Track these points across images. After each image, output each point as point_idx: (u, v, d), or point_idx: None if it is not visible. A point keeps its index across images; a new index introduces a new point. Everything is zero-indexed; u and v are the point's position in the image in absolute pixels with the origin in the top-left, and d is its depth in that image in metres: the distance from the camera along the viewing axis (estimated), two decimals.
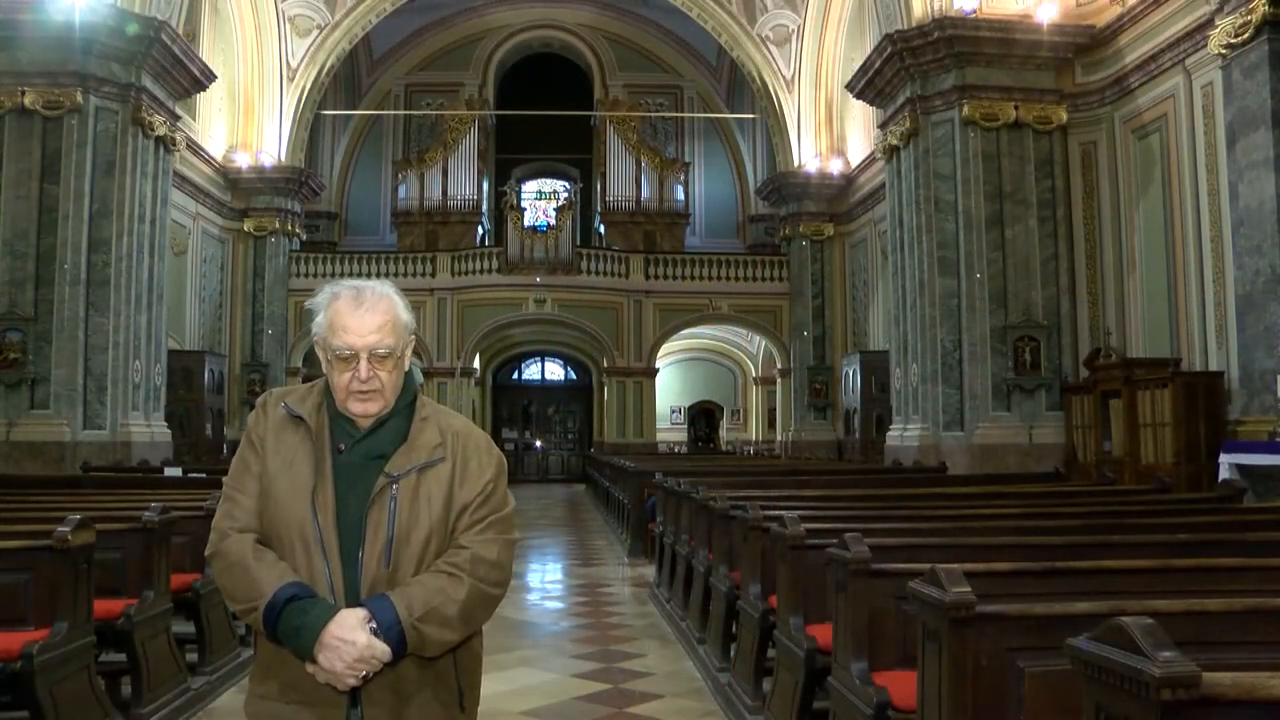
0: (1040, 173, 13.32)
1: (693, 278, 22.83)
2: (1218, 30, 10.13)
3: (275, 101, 20.77)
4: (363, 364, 2.04)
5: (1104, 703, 1.96)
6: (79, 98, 12.95)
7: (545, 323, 23.36)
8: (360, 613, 1.93)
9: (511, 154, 27.57)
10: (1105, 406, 12.13)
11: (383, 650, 1.91)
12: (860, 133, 20.48)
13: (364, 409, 2.06)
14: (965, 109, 13.13)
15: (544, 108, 25.45)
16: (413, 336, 2.16)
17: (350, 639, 1.90)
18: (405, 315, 2.11)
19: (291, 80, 20.86)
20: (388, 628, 1.91)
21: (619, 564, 11.28)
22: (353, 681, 1.92)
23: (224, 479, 2.12)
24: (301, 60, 20.84)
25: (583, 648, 6.79)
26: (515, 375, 28.70)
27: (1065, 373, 13.18)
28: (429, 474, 2.05)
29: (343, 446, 2.06)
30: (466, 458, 2.10)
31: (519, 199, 25.87)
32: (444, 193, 25.00)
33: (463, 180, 25.13)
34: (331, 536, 1.99)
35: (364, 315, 2.06)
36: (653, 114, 26.20)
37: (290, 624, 1.92)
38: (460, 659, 2.07)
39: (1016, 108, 13.20)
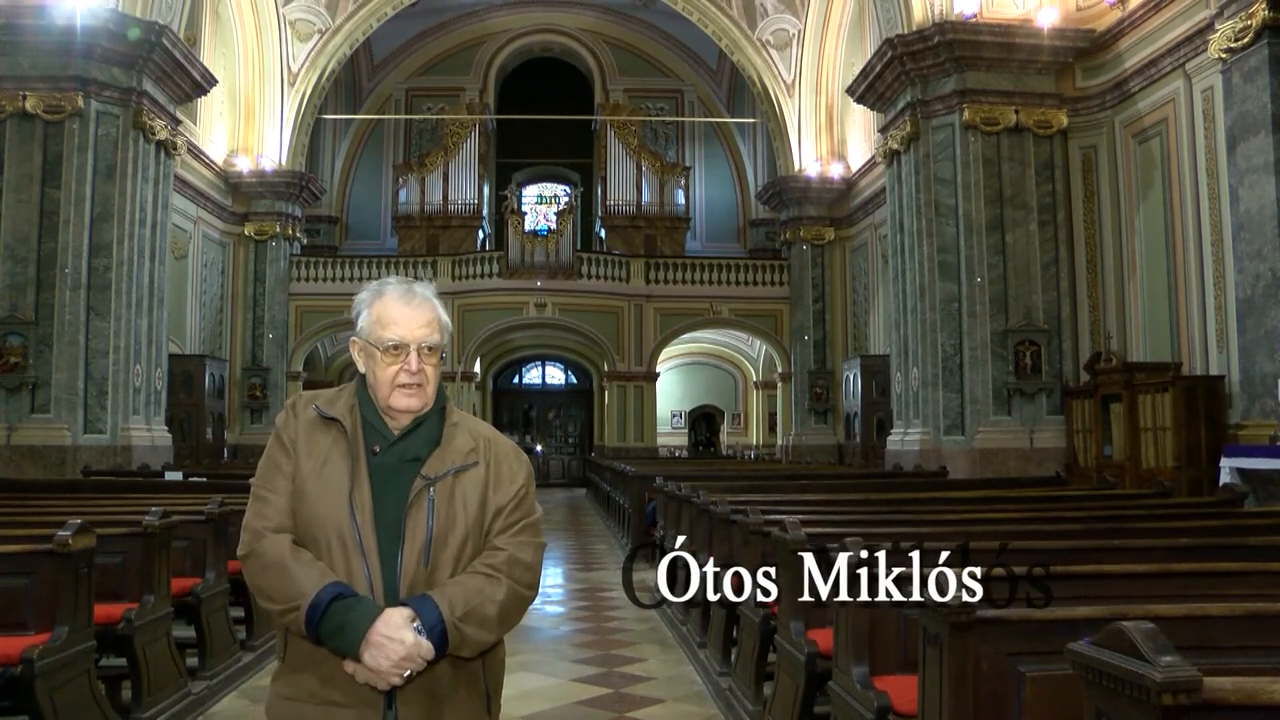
0: (1041, 177, 13.33)
1: (693, 282, 22.84)
2: (1218, 34, 10.14)
3: (276, 106, 20.79)
4: (413, 355, 2.08)
5: (1105, 707, 1.96)
6: (80, 102, 12.97)
7: (546, 327, 23.37)
8: (405, 611, 1.94)
9: (512, 158, 27.60)
10: (1106, 410, 12.13)
11: (428, 649, 1.93)
12: (861, 137, 20.50)
13: (409, 403, 2.09)
14: (966, 113, 13.14)
15: (544, 112, 25.52)
16: (449, 339, 2.19)
17: (398, 637, 1.91)
18: (445, 317, 2.17)
19: (292, 85, 20.89)
20: (431, 626, 1.93)
21: (619, 568, 11.27)
22: (396, 680, 1.93)
23: (251, 481, 2.13)
24: (302, 65, 20.87)
25: (583, 652, 6.79)
26: (516, 379, 28.70)
27: (1066, 377, 13.18)
28: (464, 478, 2.08)
29: (377, 449, 2.08)
30: (499, 463, 2.13)
31: (519, 203, 25.87)
32: (445, 197, 25.02)
33: (463, 184, 25.15)
34: (370, 537, 2.01)
35: (415, 309, 2.11)
36: (653, 118, 26.22)
37: (335, 622, 1.93)
38: (488, 662, 2.10)
39: (1017, 112, 13.21)
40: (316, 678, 2.00)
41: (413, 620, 1.93)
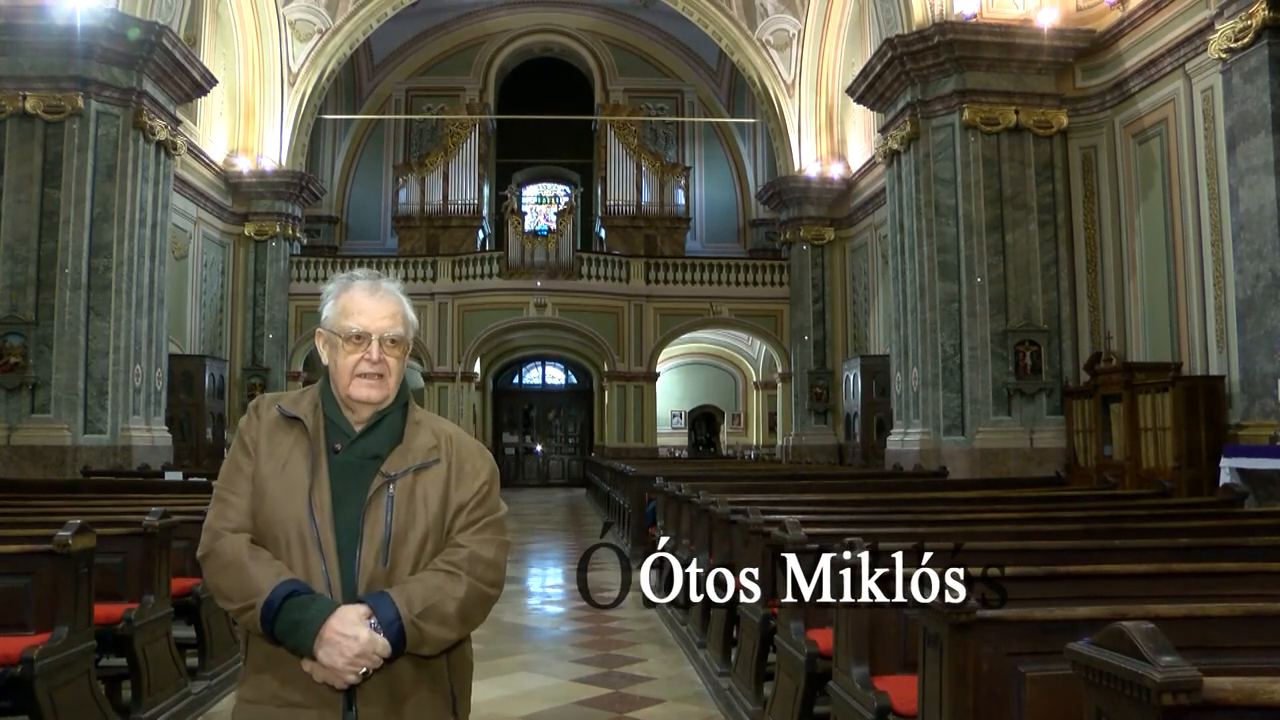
0: (1041, 177, 13.33)
1: (693, 282, 22.84)
2: (1218, 35, 10.15)
3: (276, 106, 20.79)
4: (374, 345, 2.08)
5: (1105, 707, 1.96)
6: (80, 102, 12.97)
7: (546, 327, 23.37)
8: (360, 608, 1.93)
9: (512, 158, 27.61)
10: (1106, 411, 12.13)
11: (383, 645, 1.91)
12: (861, 137, 20.50)
13: (368, 393, 2.08)
14: (966, 113, 13.14)
15: (545, 112, 25.52)
16: (413, 337, 2.20)
17: (351, 634, 1.90)
18: (411, 314, 2.17)
19: (292, 85, 20.89)
20: (388, 623, 1.92)
21: (619, 568, 11.24)
22: (352, 678, 1.91)
23: (214, 482, 2.13)
24: (302, 65, 20.87)
25: (583, 652, 6.78)
26: (516, 379, 28.69)
27: (1066, 377, 13.18)
28: (425, 475, 2.07)
29: (338, 447, 2.07)
30: (461, 461, 2.12)
31: (519, 203, 25.88)
32: (445, 197, 25.03)
33: (463, 184, 25.16)
34: (328, 535, 2.00)
35: (379, 301, 2.12)
36: (653, 118, 26.22)
37: (289, 619, 1.91)
38: (453, 662, 2.08)
39: (1017, 112, 13.21)
40: (277, 679, 1.98)
41: (368, 617, 1.92)
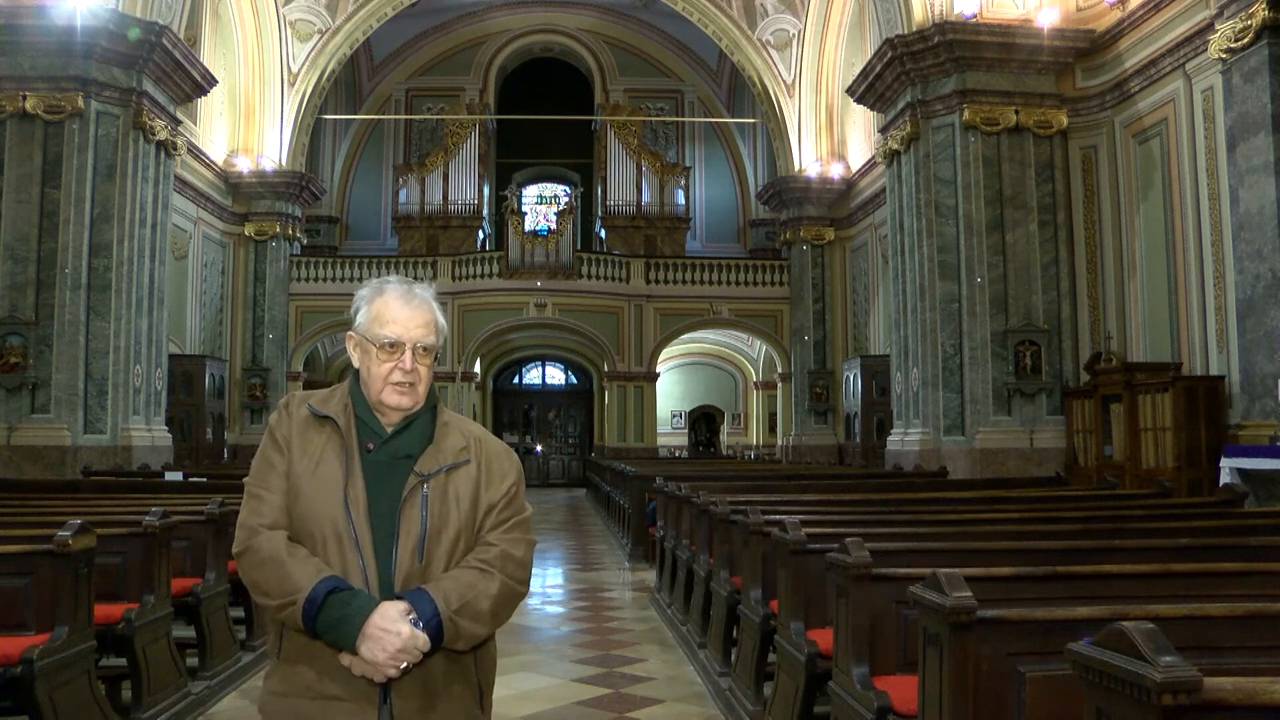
0: (1041, 177, 13.33)
1: (693, 282, 22.84)
2: (1218, 35, 10.14)
3: (276, 106, 20.79)
4: (408, 354, 2.12)
5: (1105, 707, 1.96)
6: (80, 102, 12.97)
7: (546, 327, 23.38)
8: (401, 605, 1.98)
9: (512, 158, 27.61)
10: (1106, 411, 12.13)
11: (424, 641, 1.96)
12: (861, 137, 20.50)
13: (400, 401, 2.12)
14: (966, 113, 13.14)
15: (545, 112, 25.52)
16: (443, 342, 2.23)
17: (394, 629, 1.94)
18: (442, 320, 2.21)
19: (292, 85, 20.89)
20: (428, 619, 1.97)
21: (620, 569, 11.27)
22: (393, 673, 1.96)
23: (245, 480, 2.15)
24: (302, 65, 20.87)
25: (583, 652, 6.79)
26: (516, 380, 28.70)
27: (1066, 377, 13.18)
28: (456, 475, 2.12)
29: (371, 446, 2.11)
30: (490, 462, 2.17)
31: (520, 203, 25.87)
32: (445, 197, 25.03)
33: (463, 185, 25.16)
34: (365, 532, 2.04)
35: (414, 309, 2.15)
36: (653, 118, 26.22)
37: (332, 615, 1.96)
38: (480, 657, 2.13)
39: (1017, 112, 13.21)
40: (313, 671, 2.02)
41: (408, 613, 1.96)
